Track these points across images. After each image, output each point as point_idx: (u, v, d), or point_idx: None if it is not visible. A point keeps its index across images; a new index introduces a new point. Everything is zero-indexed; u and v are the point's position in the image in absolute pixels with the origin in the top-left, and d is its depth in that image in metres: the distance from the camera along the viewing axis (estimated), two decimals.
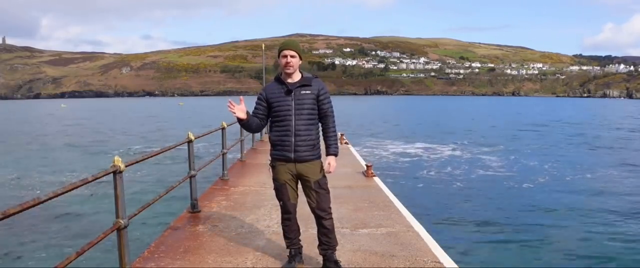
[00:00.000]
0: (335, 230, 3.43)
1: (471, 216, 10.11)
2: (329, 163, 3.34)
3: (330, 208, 3.32)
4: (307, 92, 3.23)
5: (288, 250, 3.51)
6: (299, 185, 3.36)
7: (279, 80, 3.30)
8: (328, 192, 3.33)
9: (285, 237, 3.47)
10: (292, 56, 3.20)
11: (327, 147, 3.37)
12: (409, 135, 29.58)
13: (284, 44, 3.24)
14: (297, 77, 3.27)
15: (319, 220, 3.31)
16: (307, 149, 3.23)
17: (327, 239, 3.33)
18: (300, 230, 3.52)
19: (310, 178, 3.25)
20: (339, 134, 3.46)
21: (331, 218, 3.33)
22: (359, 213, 5.11)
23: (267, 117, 3.37)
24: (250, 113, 3.35)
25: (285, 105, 3.22)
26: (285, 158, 3.25)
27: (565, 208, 10.87)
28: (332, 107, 3.36)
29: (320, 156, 3.35)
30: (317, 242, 3.40)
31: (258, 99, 3.37)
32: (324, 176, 3.32)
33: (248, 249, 3.90)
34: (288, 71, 3.22)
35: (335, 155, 3.37)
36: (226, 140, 7.45)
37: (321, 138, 3.39)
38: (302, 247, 3.55)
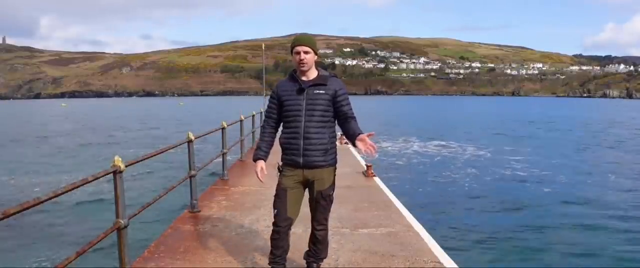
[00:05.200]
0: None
1: (471, 216, 10.11)
2: (362, 140, 2.76)
3: (326, 219, 3.13)
4: (321, 91, 2.94)
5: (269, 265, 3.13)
6: (305, 197, 3.10)
7: (293, 77, 3.03)
8: (330, 203, 3.09)
9: (271, 251, 3.07)
10: (305, 52, 2.92)
11: (356, 133, 2.87)
12: (409, 135, 29.56)
13: (296, 40, 2.98)
14: (312, 74, 3.00)
15: (312, 229, 3.16)
16: (318, 154, 2.94)
17: (314, 248, 3.19)
18: (290, 243, 3.13)
19: (316, 187, 2.99)
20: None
21: (325, 229, 3.14)
22: (359, 213, 5.11)
23: (281, 117, 3.10)
24: (264, 118, 3.21)
25: (296, 104, 2.95)
26: (293, 163, 2.98)
27: (567, 208, 10.85)
28: (352, 108, 3.03)
29: (335, 162, 3.06)
30: None
31: (270, 97, 3.12)
32: (332, 186, 3.07)
33: (248, 249, 3.90)
34: (302, 68, 2.96)
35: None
36: (226, 140, 7.45)
37: (336, 143, 3.13)
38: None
